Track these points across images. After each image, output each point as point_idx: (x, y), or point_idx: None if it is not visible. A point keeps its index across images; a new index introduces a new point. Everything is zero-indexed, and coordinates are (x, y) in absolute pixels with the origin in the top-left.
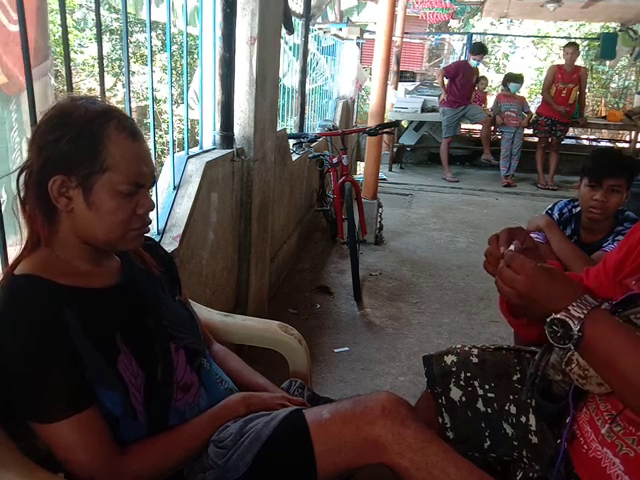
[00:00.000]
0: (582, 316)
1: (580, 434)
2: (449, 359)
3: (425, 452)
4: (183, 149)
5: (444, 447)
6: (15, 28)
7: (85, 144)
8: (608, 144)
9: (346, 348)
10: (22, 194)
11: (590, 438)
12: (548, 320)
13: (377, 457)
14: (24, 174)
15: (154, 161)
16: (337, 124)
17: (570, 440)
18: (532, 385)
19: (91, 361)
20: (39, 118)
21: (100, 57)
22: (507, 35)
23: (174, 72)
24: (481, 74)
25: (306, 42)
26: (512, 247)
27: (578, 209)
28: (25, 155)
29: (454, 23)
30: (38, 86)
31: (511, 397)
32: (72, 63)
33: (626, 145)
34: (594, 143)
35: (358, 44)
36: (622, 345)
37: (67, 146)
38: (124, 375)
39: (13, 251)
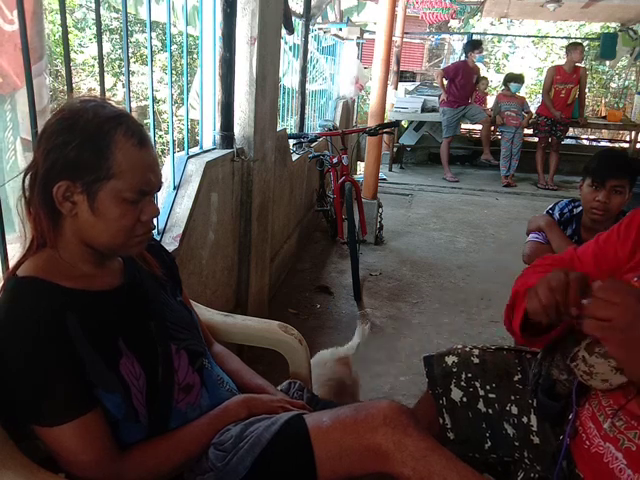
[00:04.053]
0: None
1: (582, 430)
2: (450, 360)
3: (428, 460)
4: (183, 149)
5: (447, 455)
6: (10, 28)
7: (92, 151)
8: (608, 144)
9: None
10: (27, 195)
11: (592, 434)
12: None
13: (379, 466)
14: (29, 175)
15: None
16: (337, 124)
17: (572, 436)
18: (536, 385)
19: (92, 364)
20: (38, 117)
21: (100, 57)
22: (507, 35)
23: (174, 72)
24: (481, 74)
25: (306, 42)
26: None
27: (579, 209)
28: (19, 155)
29: (454, 23)
30: (33, 86)
31: (512, 398)
32: (72, 63)
33: (626, 145)
34: (594, 143)
35: (358, 44)
36: None
37: (74, 152)
38: (126, 377)
39: (13, 249)
